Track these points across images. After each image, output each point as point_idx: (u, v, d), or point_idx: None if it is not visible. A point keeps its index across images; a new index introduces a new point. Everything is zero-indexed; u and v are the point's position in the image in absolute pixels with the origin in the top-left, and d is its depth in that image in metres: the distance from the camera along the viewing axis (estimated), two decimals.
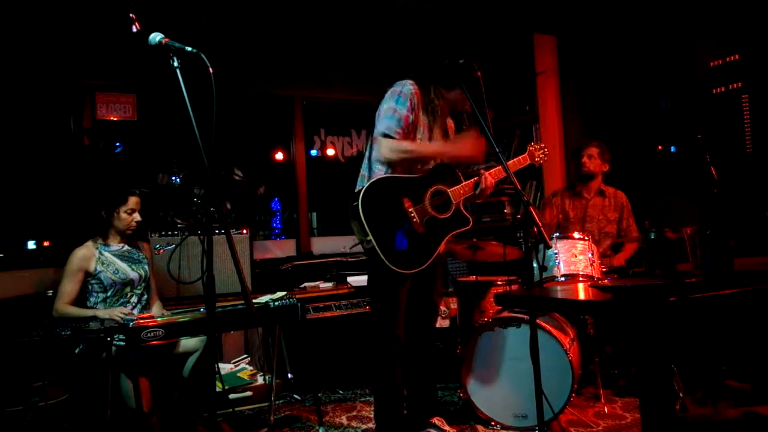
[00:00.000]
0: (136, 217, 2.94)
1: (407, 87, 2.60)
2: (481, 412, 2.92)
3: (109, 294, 2.87)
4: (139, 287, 2.97)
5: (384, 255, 2.42)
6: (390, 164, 2.56)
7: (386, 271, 2.46)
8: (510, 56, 4.59)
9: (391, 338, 2.60)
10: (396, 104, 2.57)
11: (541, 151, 2.86)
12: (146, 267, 3.02)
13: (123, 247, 2.98)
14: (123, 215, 2.91)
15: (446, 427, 2.78)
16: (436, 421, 2.79)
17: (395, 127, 2.52)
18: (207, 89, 1.79)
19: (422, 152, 2.58)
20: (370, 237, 2.42)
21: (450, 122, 2.80)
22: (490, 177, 2.65)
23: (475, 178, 2.66)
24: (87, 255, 2.86)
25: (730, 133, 3.46)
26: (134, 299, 2.94)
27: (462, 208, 2.66)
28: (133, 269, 2.94)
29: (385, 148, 2.52)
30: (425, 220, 2.54)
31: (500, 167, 2.61)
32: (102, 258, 2.88)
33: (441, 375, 3.72)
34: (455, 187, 2.62)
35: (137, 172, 4.03)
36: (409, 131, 2.57)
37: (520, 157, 2.80)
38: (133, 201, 2.93)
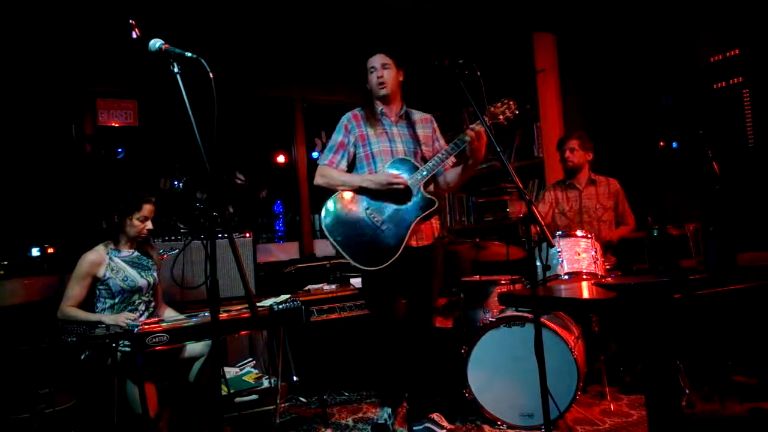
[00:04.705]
0: (149, 225, 2.93)
1: (344, 117, 2.96)
2: (486, 412, 2.92)
3: (116, 300, 2.86)
4: (147, 294, 2.96)
5: (354, 260, 2.68)
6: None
7: (367, 272, 2.71)
8: (510, 55, 4.58)
9: (383, 326, 2.81)
10: (333, 135, 2.95)
11: (505, 107, 2.73)
12: (155, 274, 3.02)
13: (133, 253, 2.98)
14: (136, 222, 2.90)
15: (444, 423, 2.82)
16: (434, 416, 2.84)
17: (327, 155, 2.90)
18: (207, 93, 1.79)
19: (341, 180, 2.83)
20: (339, 249, 2.71)
21: (393, 108, 2.95)
22: (475, 134, 2.64)
23: (445, 152, 2.73)
24: (97, 260, 2.85)
25: (732, 128, 3.45)
26: (142, 307, 2.93)
27: (424, 192, 2.77)
28: (142, 276, 2.94)
29: (316, 175, 2.90)
30: (387, 215, 2.73)
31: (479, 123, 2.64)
32: (112, 264, 2.87)
33: (446, 374, 3.73)
34: (413, 175, 2.75)
35: (139, 178, 4.04)
36: (347, 152, 2.89)
37: (476, 122, 2.66)
38: (147, 209, 2.92)
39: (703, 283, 1.64)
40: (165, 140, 4.19)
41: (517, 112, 2.75)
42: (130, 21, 1.96)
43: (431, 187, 2.87)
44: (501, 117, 2.73)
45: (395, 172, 2.77)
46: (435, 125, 3.03)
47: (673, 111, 3.87)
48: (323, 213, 2.76)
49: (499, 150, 2.28)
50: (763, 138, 3.34)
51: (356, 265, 2.69)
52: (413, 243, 2.79)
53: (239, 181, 4.63)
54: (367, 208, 2.74)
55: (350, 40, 4.44)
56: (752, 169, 3.35)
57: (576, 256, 3.04)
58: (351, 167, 2.92)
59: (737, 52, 3.46)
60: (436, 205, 2.75)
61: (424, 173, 2.74)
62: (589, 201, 3.69)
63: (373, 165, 2.85)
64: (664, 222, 3.07)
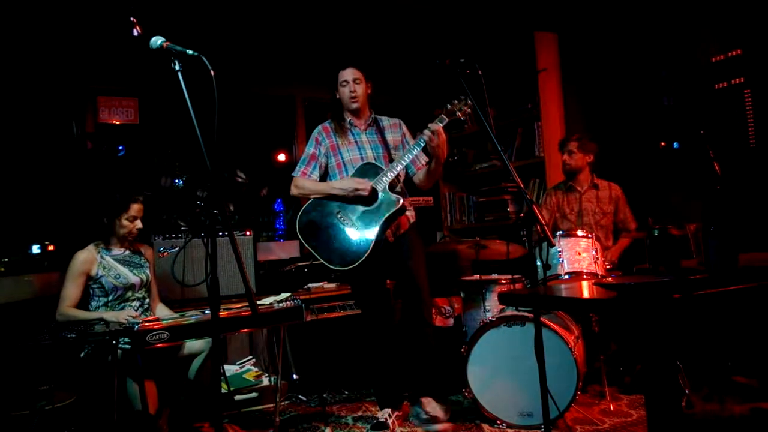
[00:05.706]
0: (138, 224, 2.94)
1: (315, 130, 3.14)
2: (486, 411, 2.92)
3: (110, 298, 2.87)
4: (140, 291, 2.97)
5: (327, 262, 2.85)
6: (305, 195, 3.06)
7: (346, 273, 2.85)
8: (511, 54, 4.58)
9: (369, 323, 3.00)
10: (306, 147, 3.15)
11: (462, 104, 2.87)
12: (147, 271, 3.02)
13: (124, 252, 2.99)
14: (125, 222, 2.90)
15: (430, 408, 2.88)
16: (423, 399, 2.91)
17: (299, 166, 3.10)
18: (208, 91, 1.79)
19: (312, 189, 3.04)
20: (312, 252, 2.91)
21: (362, 118, 3.12)
22: (431, 133, 2.77)
23: (411, 151, 2.88)
24: (89, 258, 2.86)
25: (733, 129, 3.45)
26: (135, 303, 2.94)
27: (390, 193, 2.89)
28: (134, 274, 2.94)
29: (291, 186, 3.11)
30: (356, 217, 2.87)
31: (441, 120, 2.83)
32: (103, 263, 2.88)
33: (445, 373, 3.73)
34: (379, 178, 2.89)
35: (140, 176, 4.04)
36: (318, 163, 3.07)
37: (437, 119, 2.86)
38: (135, 208, 2.92)
39: (703, 284, 1.64)
40: (166, 138, 4.19)
41: (470, 111, 2.87)
42: (132, 19, 1.96)
43: (399, 188, 3.01)
44: (459, 113, 2.90)
45: (361, 178, 2.91)
46: (404, 129, 3.18)
47: (675, 111, 3.86)
48: (298, 218, 2.98)
49: (500, 149, 2.28)
50: (764, 138, 3.34)
51: (329, 266, 2.87)
52: (390, 237, 2.97)
53: (240, 180, 4.63)
54: (338, 212, 2.92)
55: (351, 38, 4.44)
56: (753, 169, 3.35)
57: (576, 256, 3.04)
58: (324, 176, 3.10)
59: (739, 52, 3.45)
60: (401, 204, 2.88)
61: (389, 175, 2.89)
62: (589, 204, 3.67)
63: (345, 173, 3.02)
64: (665, 222, 3.07)
